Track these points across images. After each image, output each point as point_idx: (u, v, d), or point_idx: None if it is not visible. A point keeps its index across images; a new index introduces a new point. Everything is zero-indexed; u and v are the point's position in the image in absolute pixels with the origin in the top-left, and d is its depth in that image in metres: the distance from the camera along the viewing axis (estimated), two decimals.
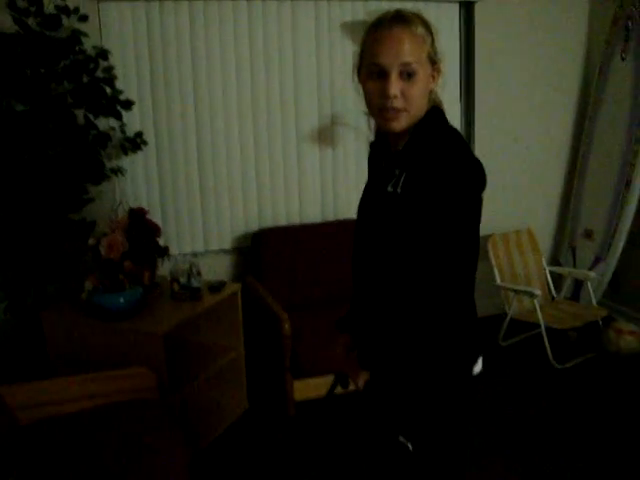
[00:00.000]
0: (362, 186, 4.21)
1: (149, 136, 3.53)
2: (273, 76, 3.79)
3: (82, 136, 3.10)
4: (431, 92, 1.53)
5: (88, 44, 3.11)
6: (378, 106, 1.49)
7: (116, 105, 3.13)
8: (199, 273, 3.04)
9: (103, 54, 3.13)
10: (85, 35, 3.06)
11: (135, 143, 3.36)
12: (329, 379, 3.18)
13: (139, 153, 3.49)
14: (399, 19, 1.45)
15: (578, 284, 4.33)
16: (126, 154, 3.40)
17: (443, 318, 1.44)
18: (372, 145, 1.74)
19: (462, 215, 1.40)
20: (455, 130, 1.52)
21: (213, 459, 2.94)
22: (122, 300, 2.77)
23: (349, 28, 3.85)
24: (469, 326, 1.57)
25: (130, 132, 3.37)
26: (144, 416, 2.33)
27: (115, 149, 3.40)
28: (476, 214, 1.46)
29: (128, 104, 3.19)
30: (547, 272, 4.29)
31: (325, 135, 3.97)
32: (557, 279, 4.40)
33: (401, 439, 1.57)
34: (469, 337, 1.58)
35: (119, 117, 3.17)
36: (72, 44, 3.02)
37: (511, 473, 2.78)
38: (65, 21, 3.04)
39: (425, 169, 1.42)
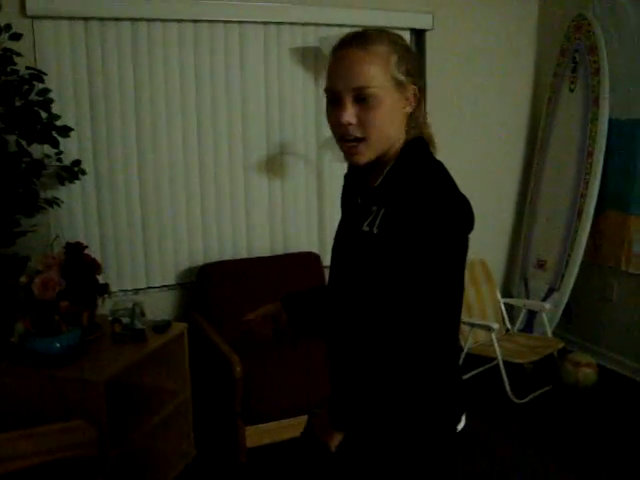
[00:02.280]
0: (312, 218, 4.11)
1: (87, 165, 3.27)
2: (219, 102, 3.62)
3: (13, 164, 2.85)
4: (412, 118, 1.37)
5: (21, 64, 2.87)
6: (337, 136, 1.34)
7: (52, 131, 2.89)
8: (143, 313, 2.81)
9: (38, 76, 2.89)
10: (18, 54, 2.83)
11: (72, 172, 3.11)
12: (283, 424, 3.03)
13: (76, 183, 3.23)
14: (358, 38, 1.30)
15: (531, 315, 4.28)
16: (63, 184, 3.14)
17: (422, 372, 1.29)
18: (346, 177, 1.58)
19: (442, 258, 1.25)
20: (439, 163, 1.36)
21: None
22: (58, 344, 2.51)
23: (299, 54, 3.73)
24: (451, 380, 1.42)
25: (67, 160, 3.12)
26: (79, 476, 2.08)
27: (50, 179, 3.15)
28: (459, 257, 1.32)
29: (65, 130, 2.94)
30: (502, 304, 4.22)
31: (274, 165, 3.81)
32: (509, 310, 4.34)
33: None
34: (451, 393, 1.42)
35: (55, 144, 2.92)
36: (3, 64, 2.77)
37: None
38: None
39: (404, 207, 1.26)
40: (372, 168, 1.39)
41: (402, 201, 1.27)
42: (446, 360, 1.40)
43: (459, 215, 1.29)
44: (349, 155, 1.34)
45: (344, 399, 1.34)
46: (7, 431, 2.21)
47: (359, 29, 1.34)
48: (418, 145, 1.38)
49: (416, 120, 1.39)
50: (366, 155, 1.33)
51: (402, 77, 1.32)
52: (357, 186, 1.49)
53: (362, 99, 1.28)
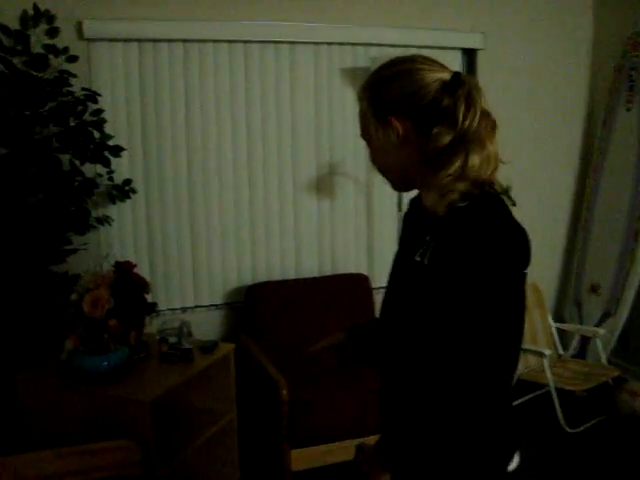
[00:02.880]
0: (361, 239, 4.07)
1: (138, 184, 3.31)
2: (270, 122, 3.63)
3: (67, 182, 2.89)
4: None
5: (76, 85, 2.93)
6: None
7: (104, 151, 2.93)
8: (190, 333, 2.80)
9: (92, 97, 2.93)
10: (74, 76, 2.88)
11: (124, 191, 3.15)
12: (329, 448, 2.98)
13: (127, 202, 3.27)
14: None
15: (585, 341, 4.14)
16: (114, 203, 3.18)
17: (473, 415, 1.22)
18: (412, 202, 1.51)
19: (495, 293, 1.18)
20: (497, 195, 1.31)
21: None
22: (106, 363, 2.51)
23: (349, 74, 3.71)
24: (503, 420, 1.35)
25: (118, 179, 3.16)
26: None
27: (102, 197, 3.19)
28: (515, 293, 1.24)
29: (117, 150, 2.98)
30: (554, 329, 4.09)
31: (323, 185, 3.79)
32: (561, 335, 4.20)
33: None
34: (503, 433, 1.35)
35: (107, 164, 2.96)
36: (59, 85, 2.83)
37: None
38: (53, 61, 2.87)
39: (455, 238, 1.20)
40: None
41: (454, 232, 1.22)
42: (499, 401, 1.32)
43: (513, 249, 1.22)
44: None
45: (393, 438, 1.30)
46: (52, 448, 2.22)
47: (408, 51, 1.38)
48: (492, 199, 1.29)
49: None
50: (396, 186, 1.41)
51: (379, 112, 1.31)
52: (419, 214, 1.44)
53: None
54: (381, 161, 1.37)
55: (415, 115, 1.26)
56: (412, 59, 1.31)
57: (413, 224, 1.45)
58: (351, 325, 1.71)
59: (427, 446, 1.24)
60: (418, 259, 1.31)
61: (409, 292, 1.33)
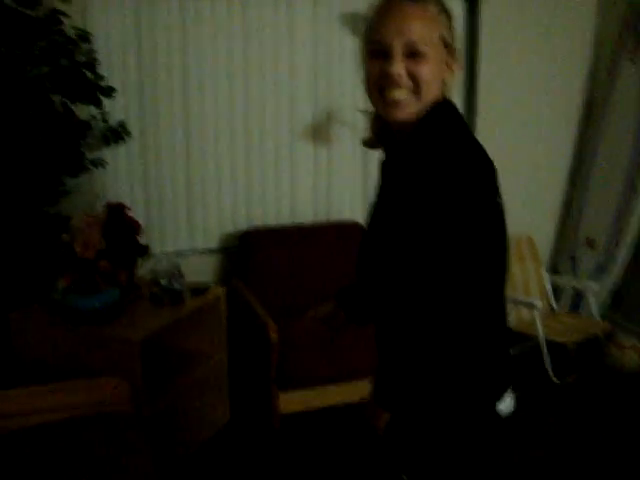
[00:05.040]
0: (357, 187, 4.07)
1: (133, 127, 3.29)
2: (267, 68, 3.58)
3: (60, 124, 2.88)
4: (445, 83, 1.33)
5: (69, 25, 2.88)
6: (378, 89, 1.30)
7: (96, 91, 2.90)
8: (182, 275, 2.83)
9: (84, 37, 2.90)
10: (65, 15, 2.84)
11: (117, 133, 3.14)
12: (318, 391, 3.04)
13: (121, 145, 3.26)
14: None
15: (578, 295, 4.16)
16: (108, 145, 3.17)
17: (464, 347, 1.25)
18: (386, 151, 1.50)
19: (466, 227, 1.20)
20: (466, 126, 1.33)
21: (192, 473, 2.75)
22: (97, 303, 2.56)
23: (349, 20, 3.64)
24: (494, 357, 1.37)
25: (113, 122, 3.15)
26: (114, 432, 2.12)
27: (96, 140, 3.18)
28: (489, 224, 1.26)
29: (109, 91, 2.96)
30: (547, 282, 4.11)
31: (320, 132, 3.76)
32: (555, 289, 4.22)
33: (404, 478, 1.39)
34: (493, 369, 1.37)
35: (98, 104, 2.94)
36: (51, 24, 2.79)
37: None
38: None
39: (425, 174, 1.22)
40: (401, 131, 1.34)
41: (423, 165, 1.24)
42: (491, 335, 1.35)
43: (481, 176, 1.24)
44: (391, 108, 1.30)
45: (388, 379, 1.33)
46: (41, 384, 2.27)
47: None
48: (447, 106, 1.34)
49: (447, 87, 1.35)
50: (409, 109, 1.29)
51: (449, 40, 1.30)
52: (388, 155, 1.44)
53: (413, 54, 1.26)
54: (429, 84, 1.28)
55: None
56: None
57: (387, 171, 1.45)
58: (337, 291, 1.71)
59: (419, 382, 1.26)
60: (393, 196, 1.32)
61: (386, 236, 1.34)
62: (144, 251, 2.84)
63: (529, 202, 4.31)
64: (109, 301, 2.60)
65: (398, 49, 1.25)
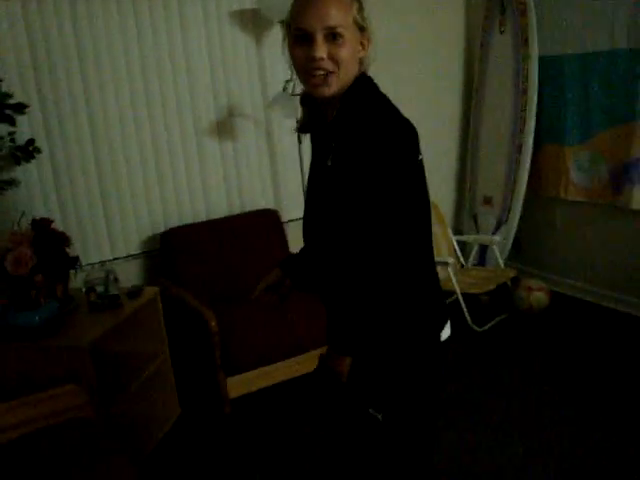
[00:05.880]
0: (266, 176, 4.20)
1: (41, 143, 3.28)
2: (165, 70, 3.65)
3: None
4: (362, 61, 1.52)
5: None
6: (305, 71, 1.47)
7: (5, 110, 2.90)
8: (117, 280, 2.88)
9: None
10: None
11: (27, 151, 3.13)
12: (263, 371, 3.17)
13: (32, 162, 3.24)
14: None
15: (483, 250, 4.50)
16: (19, 164, 3.16)
17: (401, 288, 1.44)
18: (305, 125, 1.69)
19: (394, 183, 1.39)
20: (384, 96, 1.52)
21: (153, 472, 2.82)
22: (37, 317, 2.58)
23: (238, 17, 3.78)
24: (430, 294, 1.59)
25: (20, 140, 3.14)
26: (88, 437, 2.18)
27: (5, 160, 3.16)
28: (413, 179, 1.46)
29: (20, 107, 2.96)
30: (454, 241, 4.42)
31: (224, 128, 3.88)
32: (462, 247, 4.55)
33: (371, 411, 1.56)
34: (432, 305, 1.59)
35: (12, 122, 2.93)
36: None
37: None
38: None
39: (352, 139, 1.41)
40: (329, 105, 1.52)
41: (351, 133, 1.42)
42: (423, 274, 1.56)
43: (402, 140, 1.42)
44: (317, 87, 1.47)
45: (339, 325, 1.49)
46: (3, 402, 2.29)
47: None
48: (365, 81, 1.53)
49: (365, 63, 1.54)
50: (333, 87, 1.46)
51: (361, 22, 1.48)
52: (320, 125, 1.61)
53: (333, 37, 1.42)
54: (348, 64, 1.45)
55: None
56: None
57: (319, 139, 1.63)
58: (283, 259, 1.90)
59: (373, 321, 1.43)
60: (329, 163, 1.50)
61: (324, 194, 1.52)
62: (75, 262, 2.87)
63: (429, 171, 4.58)
64: (50, 314, 2.63)
65: (320, 35, 1.42)
